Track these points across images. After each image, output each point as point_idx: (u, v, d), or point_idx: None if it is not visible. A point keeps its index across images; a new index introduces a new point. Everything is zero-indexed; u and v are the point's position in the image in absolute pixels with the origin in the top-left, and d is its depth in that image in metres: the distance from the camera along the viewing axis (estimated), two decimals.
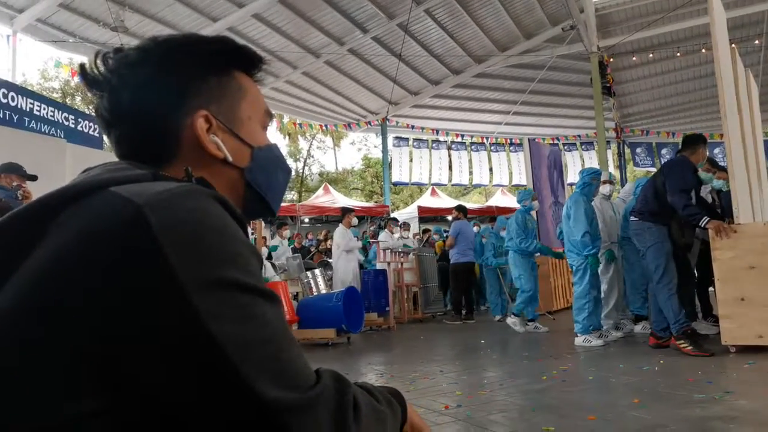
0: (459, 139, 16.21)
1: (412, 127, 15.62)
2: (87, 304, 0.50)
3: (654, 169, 16.22)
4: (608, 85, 12.50)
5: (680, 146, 4.72)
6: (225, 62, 0.75)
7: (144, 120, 0.69)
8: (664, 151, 15.76)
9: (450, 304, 8.54)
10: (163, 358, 0.50)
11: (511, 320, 6.16)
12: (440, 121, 16.15)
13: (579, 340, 5.12)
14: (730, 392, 3.03)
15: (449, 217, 13.12)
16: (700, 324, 5.15)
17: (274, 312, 0.56)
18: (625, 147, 16.22)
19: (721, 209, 5.04)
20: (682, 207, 4.29)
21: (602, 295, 5.33)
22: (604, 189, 5.68)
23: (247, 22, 10.61)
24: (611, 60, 12.84)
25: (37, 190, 4.37)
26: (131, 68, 0.69)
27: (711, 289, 5.28)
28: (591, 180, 5.37)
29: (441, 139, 16.05)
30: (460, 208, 8.39)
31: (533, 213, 6.53)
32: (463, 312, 7.86)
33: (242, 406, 0.51)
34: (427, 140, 15.94)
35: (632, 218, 4.71)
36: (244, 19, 10.44)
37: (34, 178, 4.38)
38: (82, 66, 0.72)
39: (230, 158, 0.71)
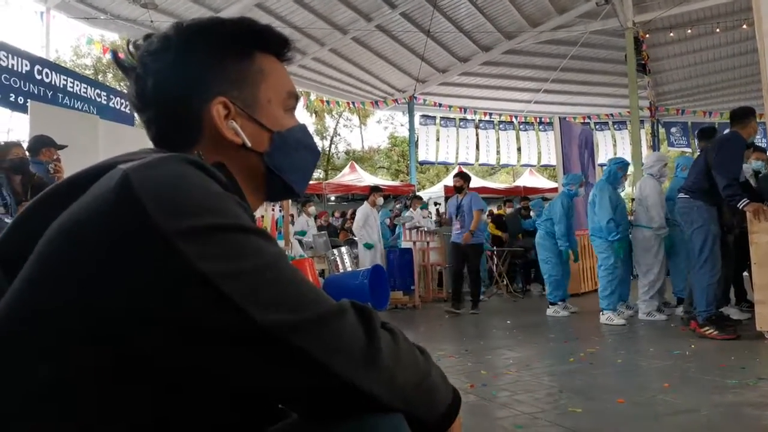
0: (487, 118, 15.97)
1: (440, 105, 15.43)
2: (81, 260, 0.54)
3: (689, 150, 15.78)
4: (643, 62, 12.09)
5: (730, 122, 4.47)
6: (245, 45, 0.75)
7: (166, 106, 0.72)
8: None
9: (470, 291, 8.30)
10: (158, 305, 0.52)
11: (551, 310, 6.08)
12: (468, 99, 15.90)
13: (603, 318, 5.32)
14: (763, 378, 2.96)
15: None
16: (731, 309, 5.04)
17: (266, 244, 0.57)
18: (660, 126, 15.77)
19: (760, 191, 4.87)
20: (723, 186, 4.12)
21: (650, 278, 5.35)
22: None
23: None
24: (647, 36, 12.40)
25: (70, 166, 4.46)
26: (153, 56, 0.71)
27: (745, 273, 5.16)
28: (617, 169, 5.55)
29: (468, 117, 15.84)
30: (467, 177, 7.17)
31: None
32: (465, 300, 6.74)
33: (245, 336, 0.53)
34: (455, 119, 15.74)
35: (680, 195, 4.57)
36: None
37: (63, 147, 4.46)
38: (115, 53, 0.76)
39: (248, 143, 0.72)
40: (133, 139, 7.83)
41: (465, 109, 15.74)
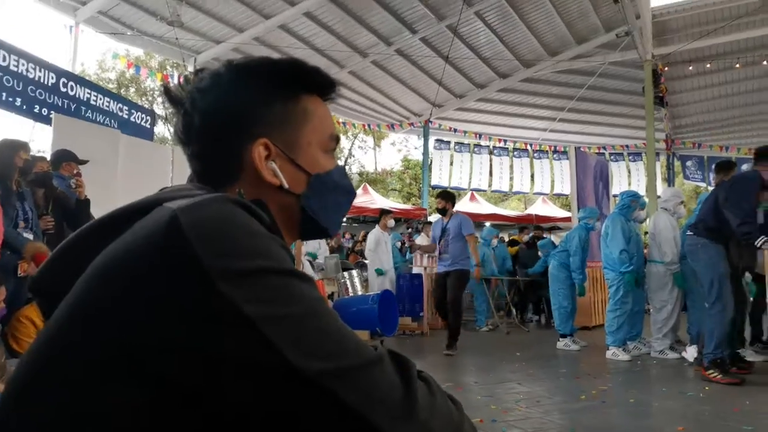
0: (501, 144, 15.99)
1: (455, 130, 15.49)
2: (125, 297, 0.55)
3: (704, 184, 15.64)
4: (661, 94, 12.07)
5: (753, 159, 4.37)
6: (292, 87, 0.76)
7: (209, 144, 0.74)
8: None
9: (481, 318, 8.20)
10: (202, 346, 0.53)
11: (561, 343, 6.01)
12: (483, 125, 15.96)
13: (608, 354, 5.31)
14: None
15: (489, 225, 12.98)
16: (746, 351, 4.95)
17: (308, 289, 0.58)
18: (675, 159, 15.68)
19: None
20: (737, 223, 3.99)
21: (663, 315, 5.30)
22: (640, 215, 5.68)
23: (299, 20, 10.72)
24: (666, 69, 12.41)
25: (90, 180, 4.53)
26: (202, 93, 0.73)
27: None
28: (630, 202, 5.56)
29: (483, 143, 15.86)
30: (450, 196, 6.23)
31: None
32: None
33: (286, 382, 0.53)
34: (469, 144, 15.77)
35: (687, 233, 4.53)
36: (295, 16, 10.55)
37: (84, 162, 4.53)
38: (166, 86, 0.78)
39: (286, 185, 0.73)
40: (151, 154, 7.94)
41: (480, 135, 15.78)
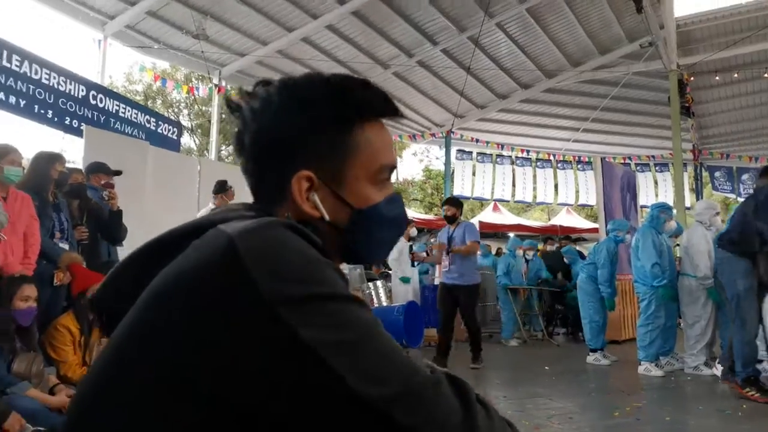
0: (524, 155, 15.89)
1: (477, 140, 15.44)
2: (182, 320, 0.56)
3: (733, 195, 15.34)
4: (687, 104, 11.90)
5: None
6: (346, 117, 0.73)
7: (258, 165, 0.74)
8: (745, 177, 14.84)
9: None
10: (258, 369, 0.53)
11: (592, 358, 5.91)
12: (505, 135, 15.87)
13: (640, 369, 5.20)
14: None
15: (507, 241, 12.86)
16: None
17: (363, 314, 0.58)
18: (703, 170, 15.41)
19: None
20: None
21: (697, 330, 5.19)
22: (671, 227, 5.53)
23: (321, 32, 10.81)
24: (691, 79, 12.23)
25: (121, 191, 4.59)
26: (253, 113, 0.73)
27: None
28: (659, 213, 5.46)
29: (505, 153, 15.78)
30: (458, 203, 6.06)
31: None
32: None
33: (344, 407, 0.53)
34: (491, 154, 15.70)
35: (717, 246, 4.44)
36: (317, 29, 10.65)
37: (118, 173, 4.60)
38: (228, 98, 0.78)
39: (327, 218, 0.72)
40: (178, 165, 8.06)
41: (502, 146, 15.70)
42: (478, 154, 15.66)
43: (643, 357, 5.22)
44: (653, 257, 5.14)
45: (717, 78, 12.69)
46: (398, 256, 7.61)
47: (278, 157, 0.72)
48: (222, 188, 5.44)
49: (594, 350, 5.92)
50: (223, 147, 19.33)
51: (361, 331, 0.56)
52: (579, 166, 15.99)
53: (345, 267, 8.33)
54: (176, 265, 0.60)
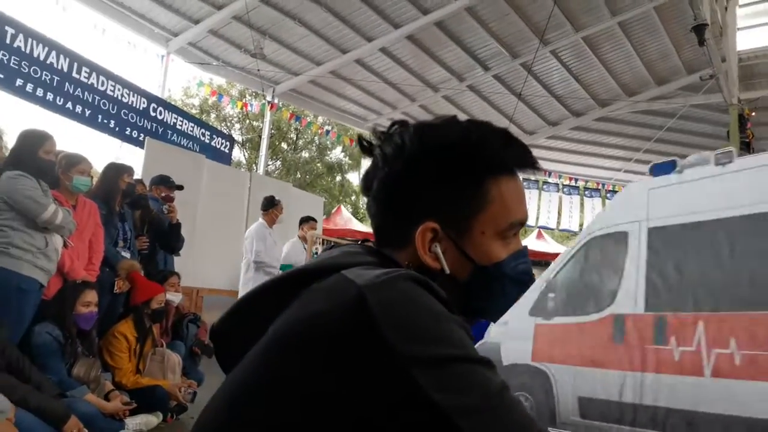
0: (572, 183, 15.62)
1: None
2: (309, 372, 0.55)
3: None
4: (747, 140, 11.45)
5: None
6: (477, 172, 0.71)
7: (383, 209, 0.74)
8: None
9: None
10: (388, 426, 0.53)
11: None
12: (553, 162, 15.67)
13: None
14: None
15: None
16: None
17: (493, 376, 0.58)
18: None
19: None
20: None
21: None
22: None
23: (374, 54, 10.98)
24: (753, 114, 11.82)
25: (177, 202, 4.72)
26: (384, 159, 0.73)
27: None
28: None
29: (551, 180, 15.55)
30: None
31: None
32: None
33: None
34: (537, 181, 15.49)
35: None
36: (371, 52, 10.82)
37: (180, 187, 4.75)
38: (360, 137, 0.79)
39: (447, 271, 0.71)
40: (231, 178, 8.26)
41: (549, 173, 15.49)
42: (524, 179, 15.43)
43: None
44: None
45: None
46: None
47: (405, 204, 0.72)
48: (270, 204, 5.54)
49: None
50: (270, 162, 19.74)
51: (491, 394, 0.56)
52: None
53: None
54: (303, 310, 0.61)
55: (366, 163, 0.80)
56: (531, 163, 0.75)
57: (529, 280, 0.78)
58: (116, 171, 3.77)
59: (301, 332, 0.58)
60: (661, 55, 11.75)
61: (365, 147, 0.76)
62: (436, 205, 0.71)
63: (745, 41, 11.67)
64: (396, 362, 0.53)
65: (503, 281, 0.74)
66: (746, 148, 11.50)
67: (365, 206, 0.78)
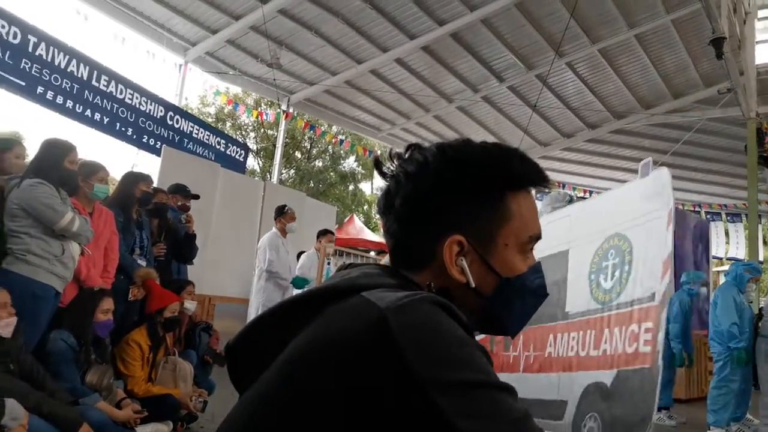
0: (586, 195, 15.50)
1: None
2: (330, 393, 0.55)
3: None
4: (765, 154, 11.31)
5: None
6: (498, 188, 0.74)
7: (405, 229, 0.74)
8: None
9: None
10: None
11: (656, 417, 5.60)
12: (568, 174, 15.59)
13: None
14: None
15: None
16: None
17: (514, 403, 0.57)
18: None
19: None
20: None
21: None
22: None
23: (389, 65, 11.03)
24: None
25: (192, 210, 4.76)
26: (407, 177, 0.74)
27: None
28: (744, 272, 5.14)
29: (566, 192, 15.48)
30: None
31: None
32: None
33: None
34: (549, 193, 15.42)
35: None
36: (386, 63, 10.86)
37: (196, 197, 4.79)
38: (377, 159, 0.78)
39: (473, 284, 0.72)
40: (245, 187, 8.31)
41: (563, 185, 15.40)
42: (537, 192, 15.39)
43: (713, 422, 4.89)
44: (732, 317, 4.84)
45: None
46: None
47: (431, 219, 0.72)
48: (280, 212, 5.58)
49: (659, 408, 5.59)
50: (284, 171, 19.83)
51: (515, 423, 0.56)
52: None
53: None
54: (324, 330, 0.60)
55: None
56: (544, 179, 0.78)
57: (544, 295, 0.80)
58: (134, 179, 3.81)
59: (321, 352, 0.58)
60: (678, 68, 11.66)
61: (383, 171, 0.77)
62: (462, 219, 0.72)
63: (764, 55, 11.57)
64: (417, 386, 0.53)
65: (524, 294, 0.76)
66: (764, 162, 11.36)
67: (382, 227, 0.77)
